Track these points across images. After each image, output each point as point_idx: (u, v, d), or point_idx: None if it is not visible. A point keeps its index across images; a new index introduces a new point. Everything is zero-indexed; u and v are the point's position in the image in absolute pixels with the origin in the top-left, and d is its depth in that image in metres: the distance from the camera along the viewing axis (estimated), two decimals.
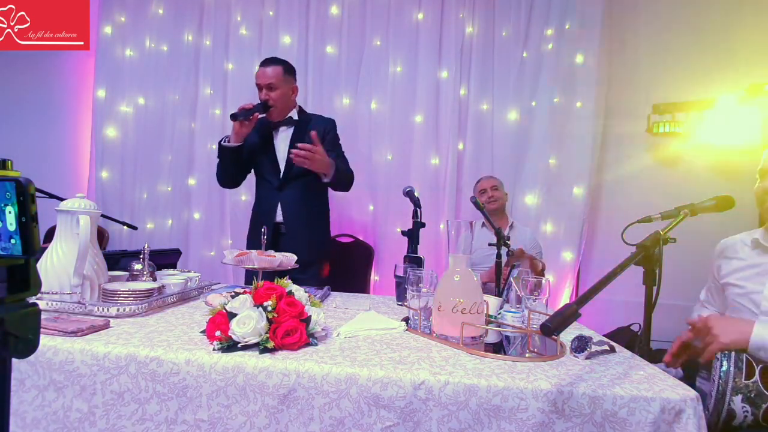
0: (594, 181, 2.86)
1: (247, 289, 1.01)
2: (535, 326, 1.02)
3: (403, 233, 1.71)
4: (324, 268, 2.09)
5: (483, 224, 2.50)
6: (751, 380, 0.95)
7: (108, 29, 2.97)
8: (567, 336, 1.04)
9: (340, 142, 2.11)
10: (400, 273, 1.52)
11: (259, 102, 1.91)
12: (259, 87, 1.94)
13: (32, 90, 3.09)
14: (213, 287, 1.59)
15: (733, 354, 0.98)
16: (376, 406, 0.80)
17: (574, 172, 2.84)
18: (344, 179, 2.01)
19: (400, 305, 1.51)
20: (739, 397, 0.95)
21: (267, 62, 1.97)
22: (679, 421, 0.78)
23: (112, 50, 2.97)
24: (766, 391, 0.94)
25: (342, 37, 2.93)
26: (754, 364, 0.97)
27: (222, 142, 1.95)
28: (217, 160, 2.00)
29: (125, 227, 2.11)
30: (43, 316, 0.67)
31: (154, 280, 1.41)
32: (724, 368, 0.97)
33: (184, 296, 1.38)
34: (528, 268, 1.47)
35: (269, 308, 0.93)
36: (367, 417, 0.80)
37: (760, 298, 1.16)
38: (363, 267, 2.70)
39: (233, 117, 1.85)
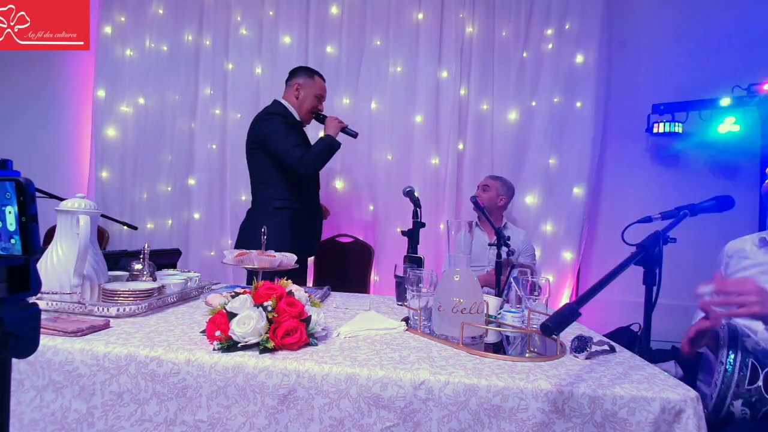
0: (594, 181, 2.86)
1: (247, 289, 1.01)
2: (535, 326, 1.02)
3: (403, 233, 1.71)
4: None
5: (476, 224, 2.49)
6: (754, 386, 0.95)
7: (108, 29, 2.96)
8: (567, 336, 1.04)
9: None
10: (400, 273, 1.52)
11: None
12: (321, 98, 2.22)
13: (32, 90, 3.08)
14: (213, 287, 1.59)
15: (738, 359, 0.98)
16: (376, 407, 0.80)
17: (574, 172, 2.84)
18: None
19: (400, 305, 1.51)
20: (740, 401, 0.94)
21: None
22: (679, 421, 0.78)
23: (112, 50, 2.97)
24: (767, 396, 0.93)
25: (342, 37, 2.93)
26: (759, 368, 0.97)
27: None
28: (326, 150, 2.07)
29: (125, 227, 2.11)
30: (43, 316, 0.66)
31: (154, 280, 1.41)
32: (728, 372, 0.97)
33: (184, 296, 1.38)
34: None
35: (269, 308, 0.93)
36: (367, 417, 0.80)
37: None
38: (363, 267, 2.70)
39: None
